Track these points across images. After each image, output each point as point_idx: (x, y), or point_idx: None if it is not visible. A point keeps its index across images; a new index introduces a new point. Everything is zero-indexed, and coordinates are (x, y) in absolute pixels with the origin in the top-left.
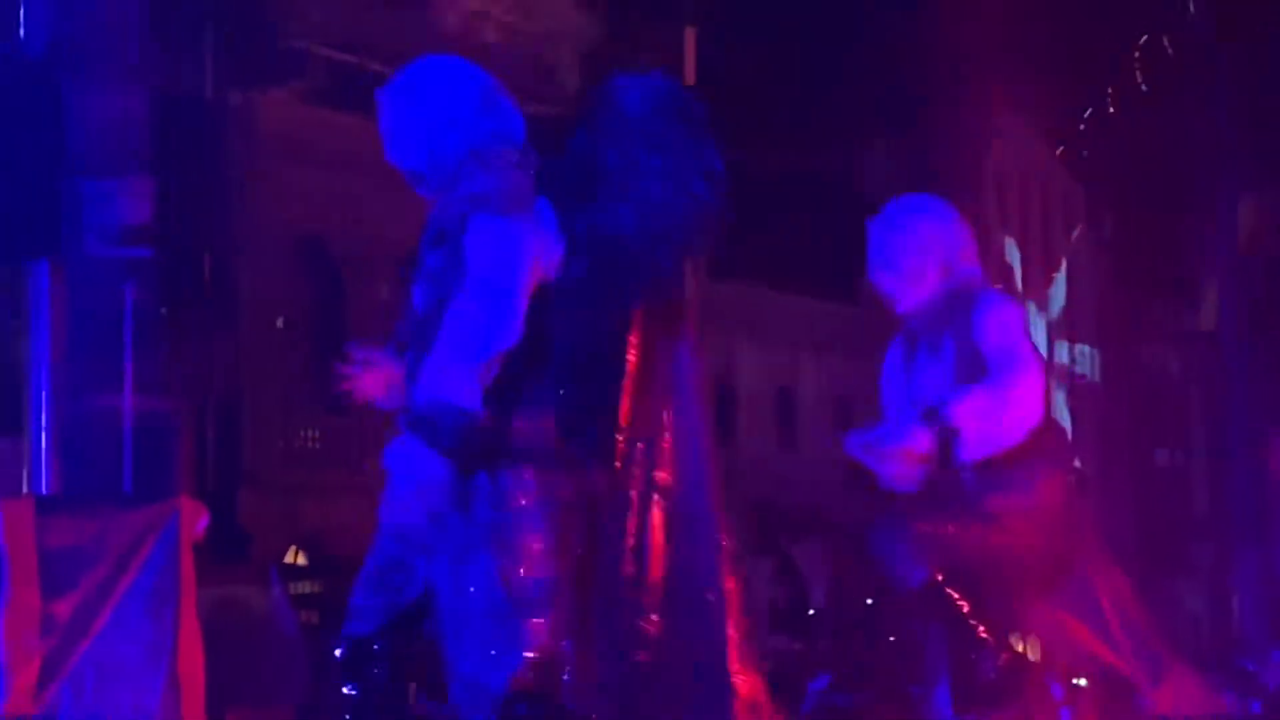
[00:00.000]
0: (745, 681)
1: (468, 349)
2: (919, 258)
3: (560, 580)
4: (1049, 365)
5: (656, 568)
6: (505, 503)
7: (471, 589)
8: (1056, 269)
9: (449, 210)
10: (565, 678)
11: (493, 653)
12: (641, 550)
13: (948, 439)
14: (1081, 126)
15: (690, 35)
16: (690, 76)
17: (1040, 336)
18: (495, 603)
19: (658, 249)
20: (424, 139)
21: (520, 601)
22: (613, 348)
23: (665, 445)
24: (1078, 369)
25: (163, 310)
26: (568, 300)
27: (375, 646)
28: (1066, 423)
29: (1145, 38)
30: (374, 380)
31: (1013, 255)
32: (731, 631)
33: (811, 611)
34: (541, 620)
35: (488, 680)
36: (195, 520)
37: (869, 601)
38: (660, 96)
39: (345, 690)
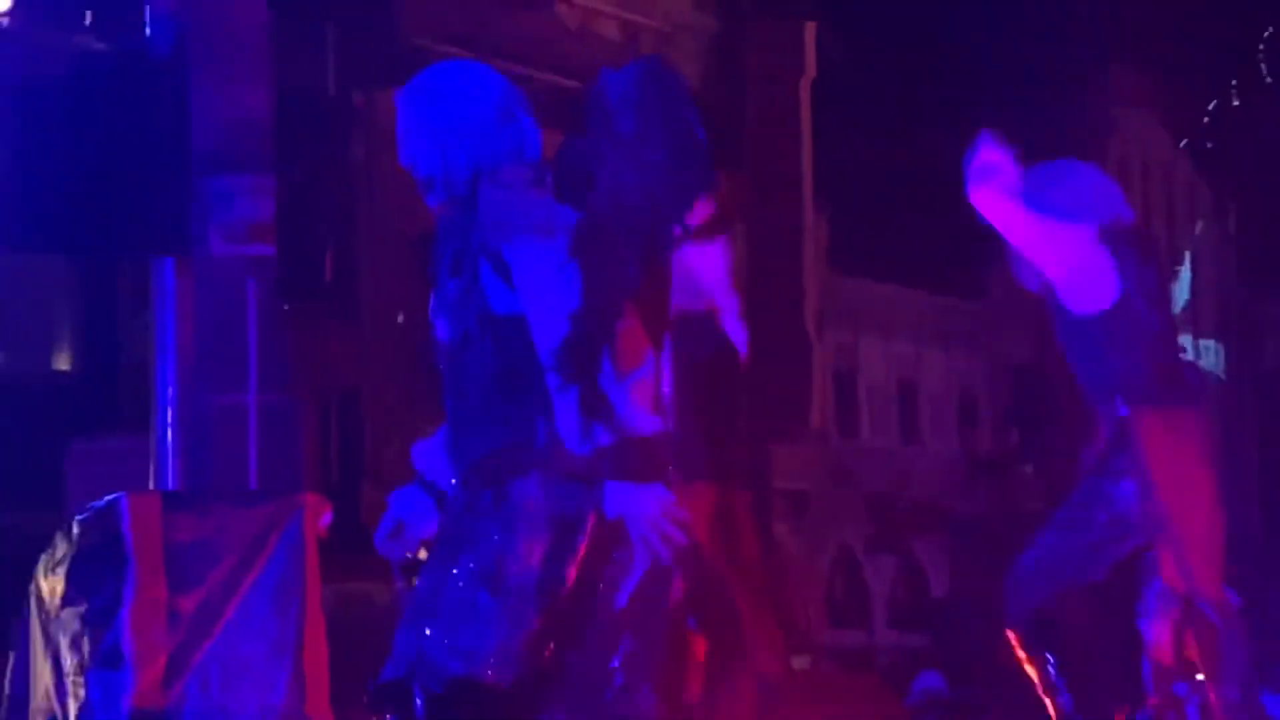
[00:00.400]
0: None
1: (610, 375)
2: None
3: (560, 586)
4: None
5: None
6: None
7: (459, 577)
8: (1180, 262)
9: (467, 236)
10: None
11: (460, 644)
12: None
13: None
14: (1205, 119)
15: (810, 29)
16: (811, 70)
17: None
18: (476, 597)
19: (645, 222)
20: (436, 145)
21: (510, 597)
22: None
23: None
24: (1201, 364)
25: (286, 307)
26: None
27: (406, 689)
28: None
29: (1270, 30)
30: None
31: None
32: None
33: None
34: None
35: (445, 663)
36: (319, 516)
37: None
38: (636, 76)
39: None
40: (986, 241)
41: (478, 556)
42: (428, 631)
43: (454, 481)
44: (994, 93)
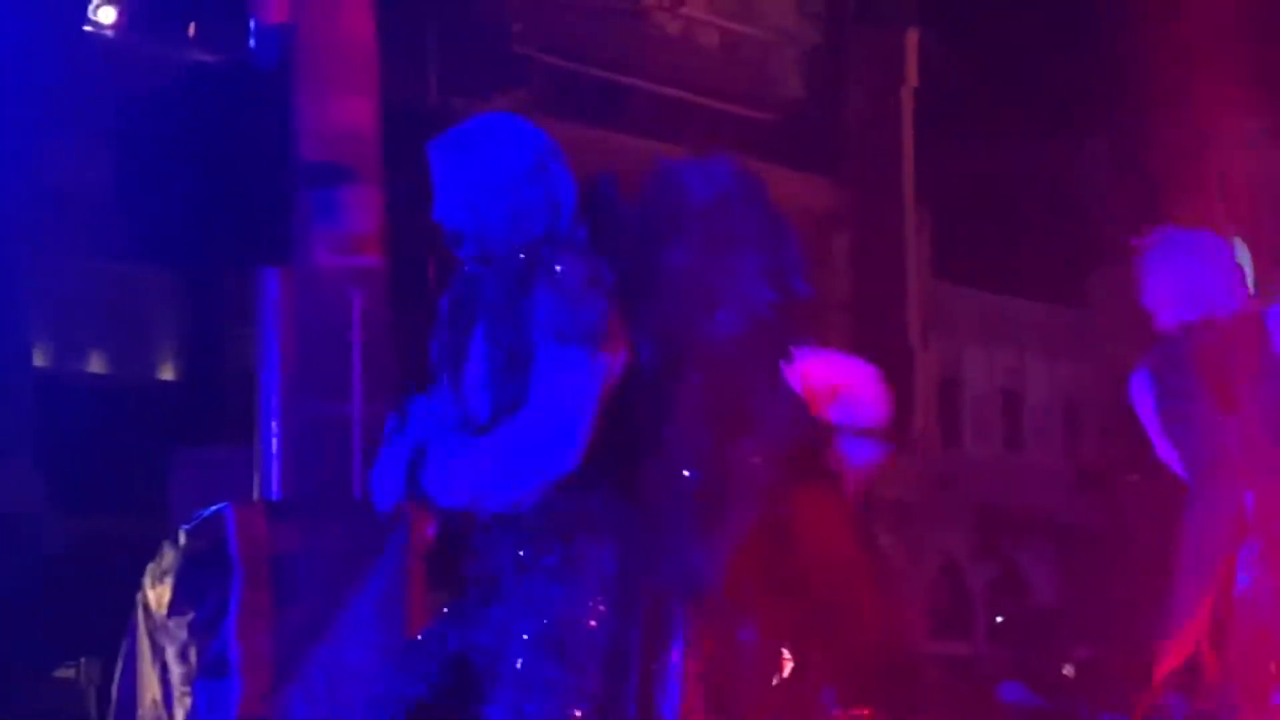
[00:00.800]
0: None
1: None
2: None
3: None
4: None
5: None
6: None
7: (520, 648)
8: None
9: (500, 308)
10: None
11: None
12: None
13: None
14: None
15: (912, 38)
16: (913, 78)
17: None
18: (539, 665)
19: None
20: (467, 200)
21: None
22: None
23: None
24: None
25: (390, 318)
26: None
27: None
28: None
29: None
30: None
31: (1243, 257)
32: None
33: (1000, 619)
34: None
35: None
36: (424, 526)
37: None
38: (725, 182)
39: None
40: (1091, 249)
41: (542, 622)
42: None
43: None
44: (1097, 100)
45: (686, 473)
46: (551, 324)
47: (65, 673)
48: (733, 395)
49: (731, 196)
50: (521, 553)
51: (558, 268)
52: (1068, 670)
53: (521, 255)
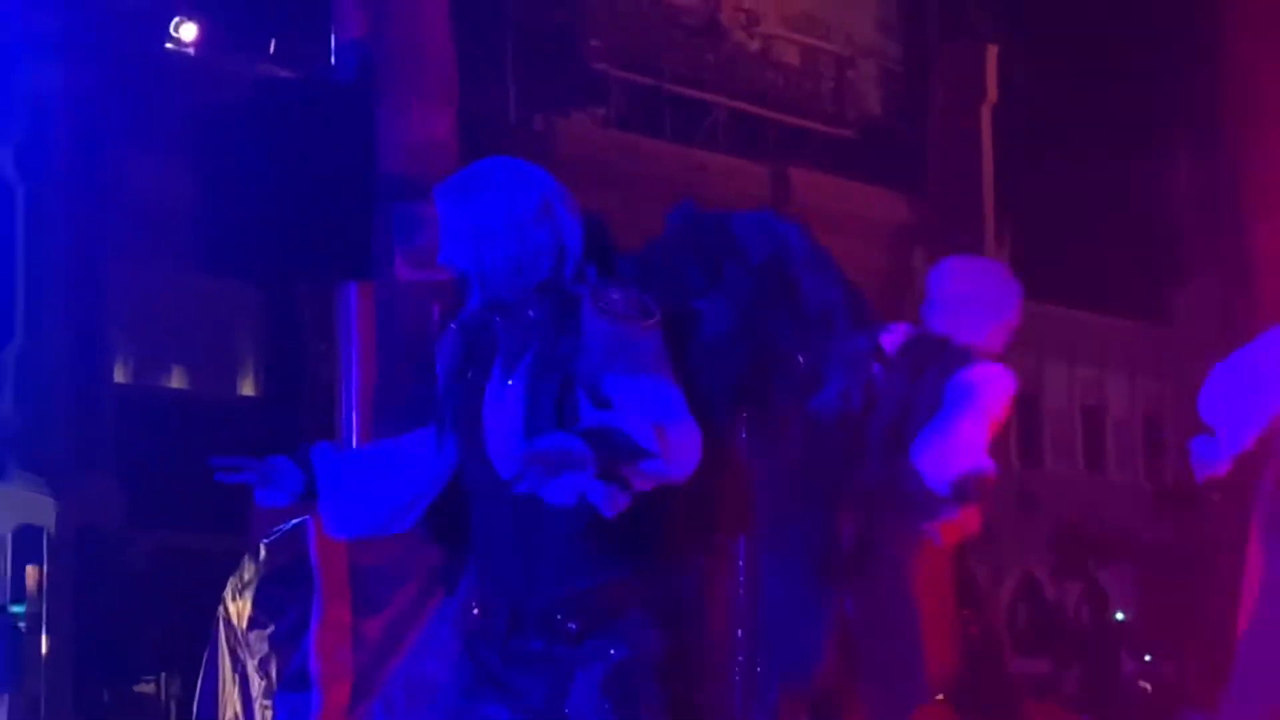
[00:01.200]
0: None
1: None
2: None
3: None
4: None
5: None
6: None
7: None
8: None
9: (528, 346)
10: None
11: None
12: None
13: None
14: None
15: (992, 52)
16: (992, 94)
17: None
18: None
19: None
20: (470, 244)
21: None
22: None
23: None
24: None
25: None
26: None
27: None
28: None
29: None
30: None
31: None
32: None
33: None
34: None
35: None
36: None
37: None
38: (792, 245)
39: None
40: (1173, 264)
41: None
42: None
43: (465, 606)
44: (1179, 113)
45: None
46: (614, 353)
47: (146, 687)
48: (826, 475)
49: (792, 259)
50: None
51: (610, 297)
52: (1146, 687)
53: (547, 295)
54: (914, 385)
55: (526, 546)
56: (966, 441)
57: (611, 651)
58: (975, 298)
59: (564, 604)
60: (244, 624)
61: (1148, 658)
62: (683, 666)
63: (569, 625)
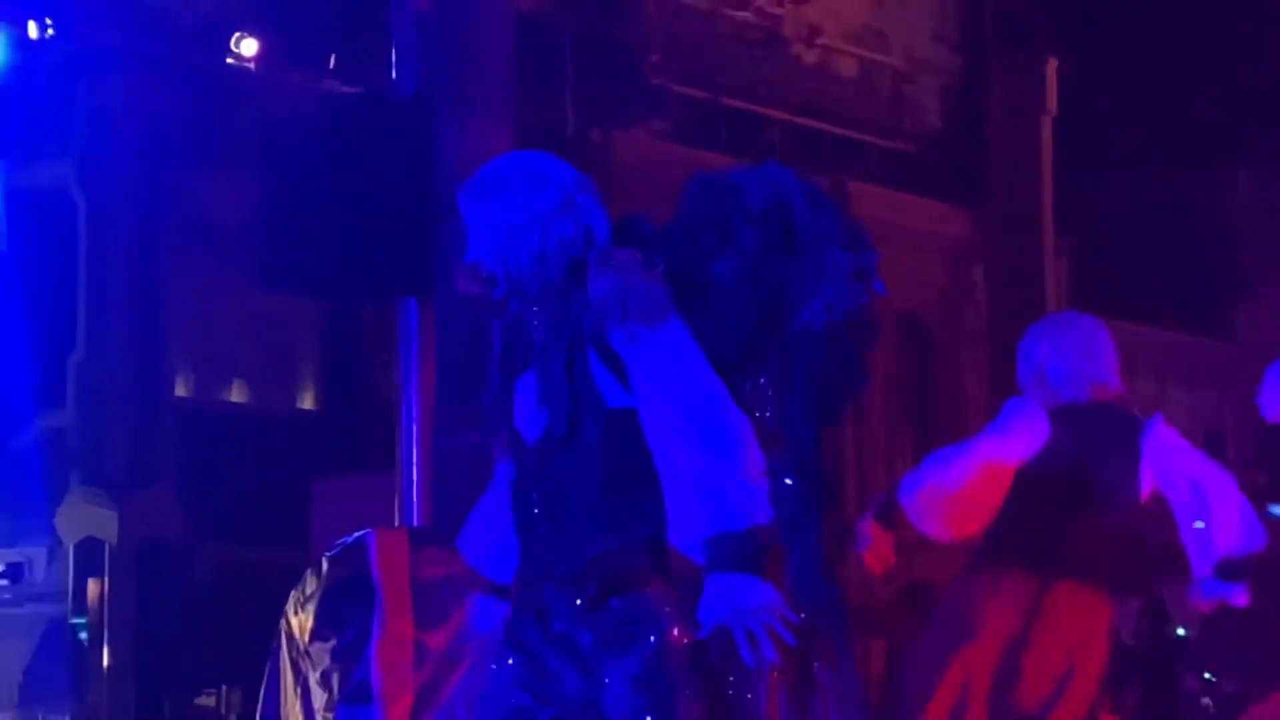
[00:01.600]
0: None
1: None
2: None
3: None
4: None
5: None
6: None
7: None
8: None
9: (558, 328)
10: None
11: None
12: None
13: None
14: None
15: (1052, 66)
16: (1052, 107)
17: None
18: None
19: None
20: (495, 241)
21: None
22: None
23: None
24: None
25: None
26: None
27: None
28: None
29: None
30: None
31: None
32: None
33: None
34: None
35: None
36: None
37: None
38: (783, 188)
39: None
40: (1233, 279)
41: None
42: None
43: (514, 585)
44: (1239, 126)
45: (789, 480)
46: (619, 302)
47: (207, 700)
48: (827, 392)
49: (792, 201)
50: (562, 599)
51: (612, 254)
52: (1207, 704)
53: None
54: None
55: (552, 515)
56: None
57: (643, 639)
58: None
59: (586, 568)
60: (306, 637)
61: (1209, 675)
62: (706, 650)
63: (588, 590)
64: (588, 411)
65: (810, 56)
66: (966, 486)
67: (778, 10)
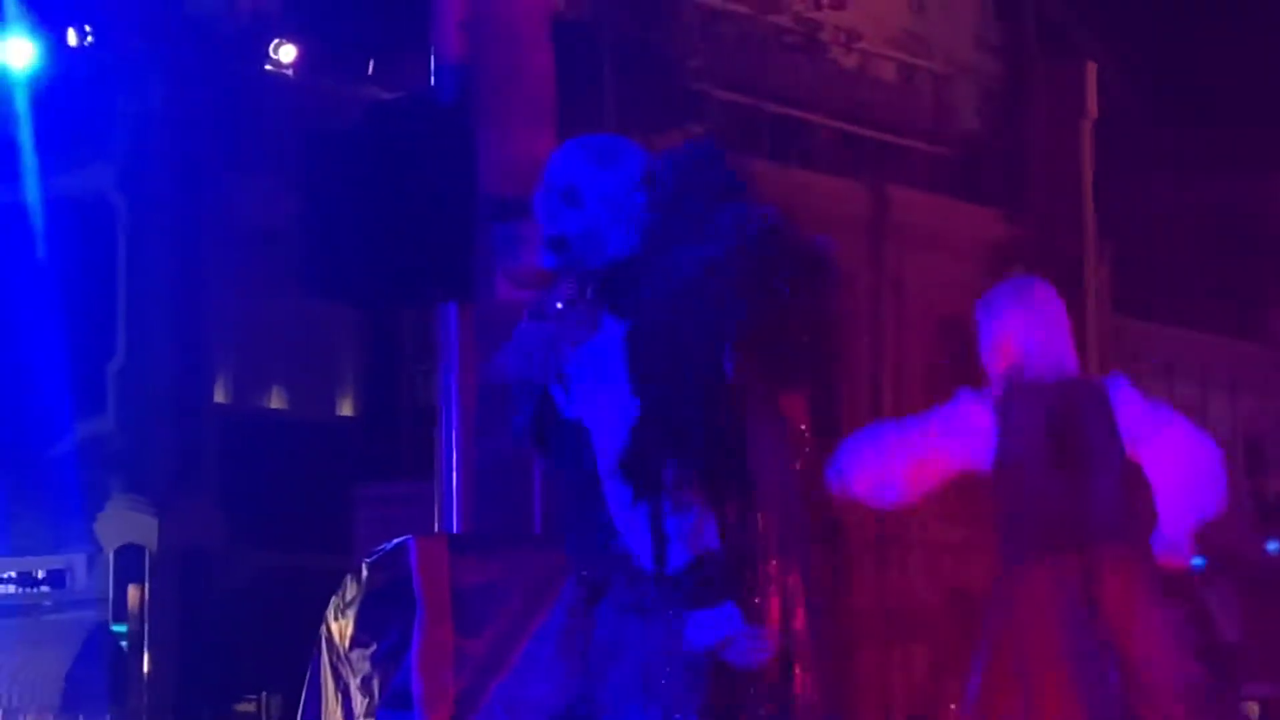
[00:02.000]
0: None
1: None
2: None
3: None
4: None
5: None
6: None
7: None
8: None
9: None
10: None
11: None
12: None
13: None
14: None
15: (1092, 70)
16: (1092, 111)
17: None
18: None
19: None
20: (603, 209)
21: None
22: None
23: None
24: None
25: None
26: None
27: None
28: None
29: None
30: None
31: None
32: None
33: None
34: None
35: None
36: None
37: None
38: (685, 157)
39: None
40: (1274, 283)
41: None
42: None
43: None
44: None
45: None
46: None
47: (247, 706)
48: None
49: (671, 160)
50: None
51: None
52: (1252, 708)
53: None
54: None
55: (582, 515)
56: None
57: (649, 640)
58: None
59: (598, 566)
60: (346, 643)
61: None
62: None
63: (583, 572)
64: (554, 421)
65: (850, 61)
66: (896, 460)
67: (816, 14)
